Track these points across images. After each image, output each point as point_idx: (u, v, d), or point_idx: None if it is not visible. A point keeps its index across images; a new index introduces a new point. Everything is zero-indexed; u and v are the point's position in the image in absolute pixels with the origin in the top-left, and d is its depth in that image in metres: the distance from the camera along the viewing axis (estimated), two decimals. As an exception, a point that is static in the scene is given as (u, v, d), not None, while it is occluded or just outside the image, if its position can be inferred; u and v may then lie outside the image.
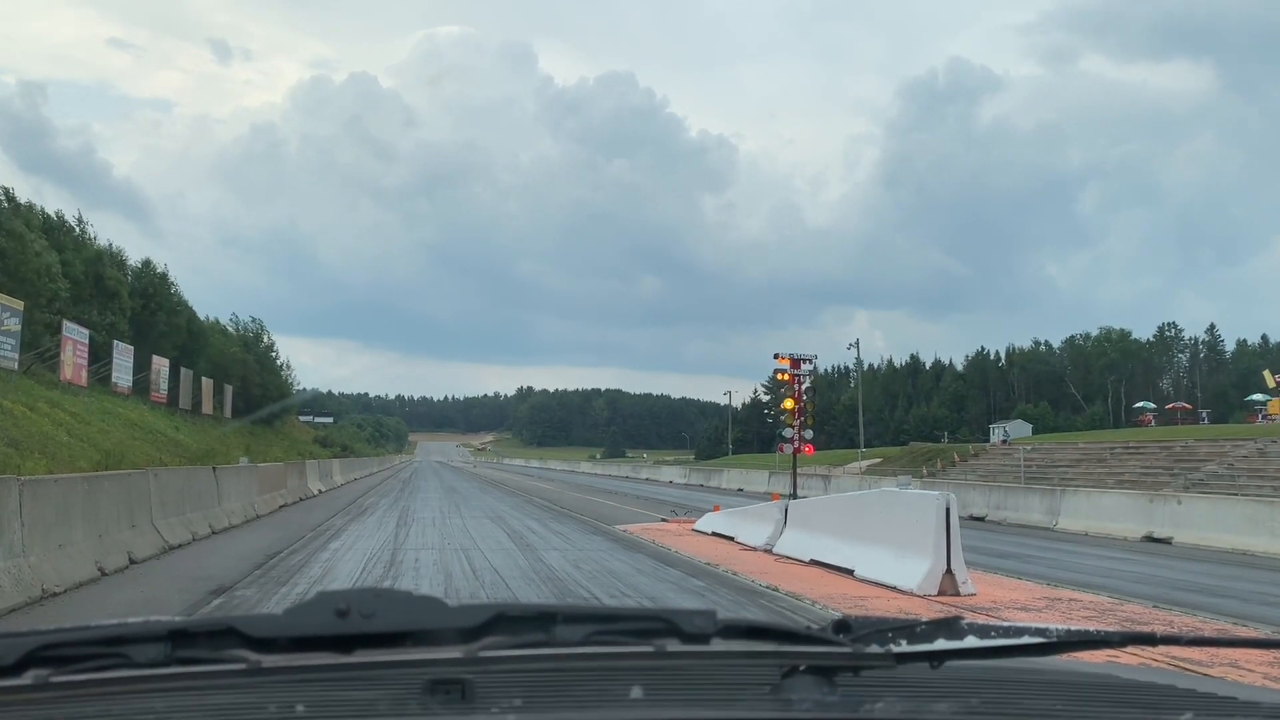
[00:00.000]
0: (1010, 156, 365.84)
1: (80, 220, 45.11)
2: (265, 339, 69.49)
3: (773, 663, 1.01)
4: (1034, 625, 1.10)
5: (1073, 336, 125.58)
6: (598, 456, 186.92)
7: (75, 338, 33.83)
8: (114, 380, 38.04)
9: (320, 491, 28.65)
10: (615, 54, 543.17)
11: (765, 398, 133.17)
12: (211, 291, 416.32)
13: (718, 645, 1.04)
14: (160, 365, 44.28)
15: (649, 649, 1.02)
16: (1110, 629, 1.15)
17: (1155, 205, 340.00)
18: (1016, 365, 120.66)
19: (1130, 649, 1.18)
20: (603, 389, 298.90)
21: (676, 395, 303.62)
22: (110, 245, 46.84)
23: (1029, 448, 53.58)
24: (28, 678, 0.95)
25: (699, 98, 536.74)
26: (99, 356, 37.57)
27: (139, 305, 45.31)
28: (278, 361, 70.86)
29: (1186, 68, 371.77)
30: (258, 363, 63.61)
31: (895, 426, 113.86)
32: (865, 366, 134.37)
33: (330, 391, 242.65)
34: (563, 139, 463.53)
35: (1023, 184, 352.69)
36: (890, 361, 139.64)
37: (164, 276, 50.26)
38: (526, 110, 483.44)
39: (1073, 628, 1.11)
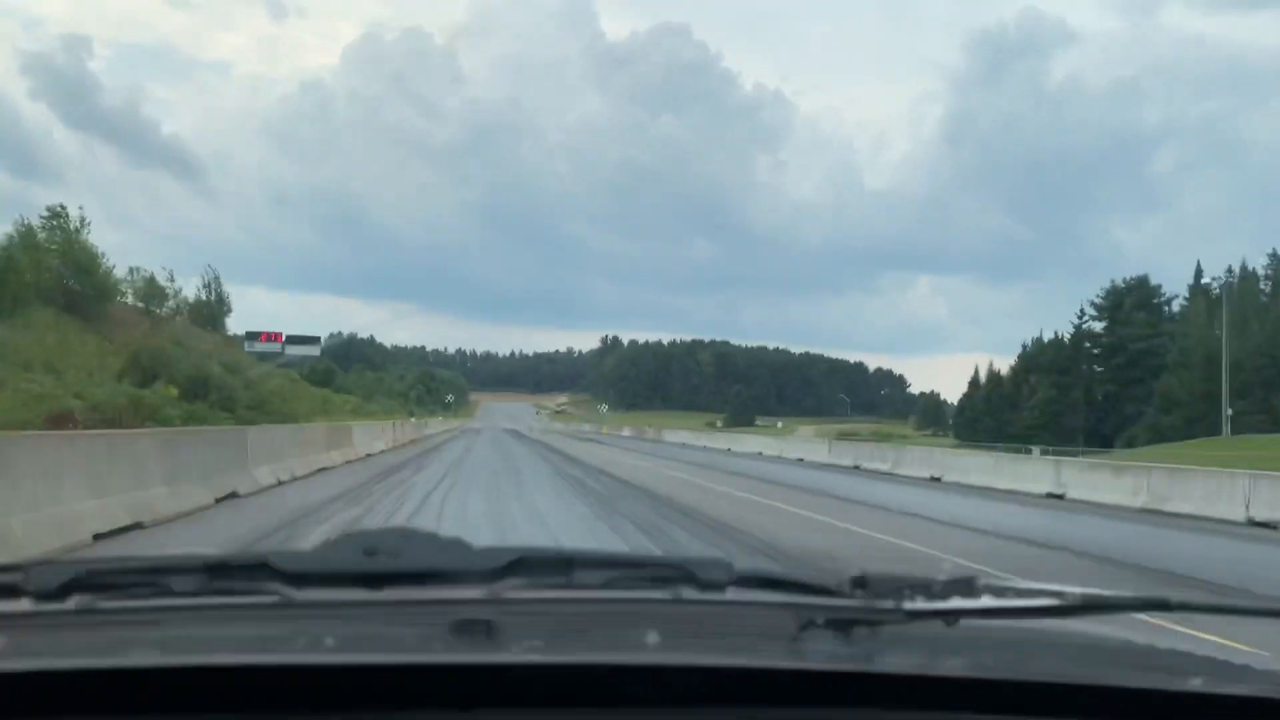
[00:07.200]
0: (1083, 114, 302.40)
1: None
2: None
3: (789, 614, 1.01)
4: (1050, 588, 1.10)
5: None
6: (719, 424, 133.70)
7: None
8: None
9: None
10: (670, 5, 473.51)
11: (1099, 323, 73.42)
12: (266, 253, 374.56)
13: (734, 595, 1.07)
14: None
15: (665, 595, 1.06)
16: (1127, 594, 1.12)
17: (1237, 166, 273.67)
18: None
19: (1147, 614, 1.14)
20: (706, 340, 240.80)
21: (797, 350, 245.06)
22: None
23: None
24: (71, 603, 1.00)
25: (755, 52, 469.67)
26: None
27: None
28: None
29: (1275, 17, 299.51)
30: None
31: None
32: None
33: (372, 337, 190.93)
34: (611, 94, 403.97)
35: (1095, 143, 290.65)
36: (1254, 273, 77.83)
37: None
38: (577, 67, 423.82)
39: (1089, 591, 1.11)
